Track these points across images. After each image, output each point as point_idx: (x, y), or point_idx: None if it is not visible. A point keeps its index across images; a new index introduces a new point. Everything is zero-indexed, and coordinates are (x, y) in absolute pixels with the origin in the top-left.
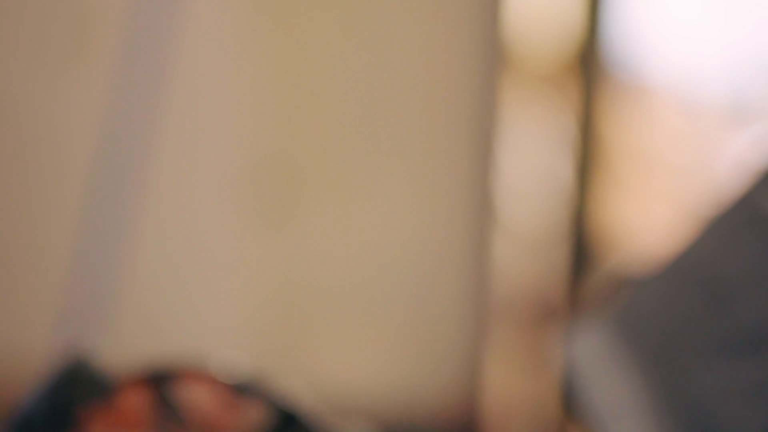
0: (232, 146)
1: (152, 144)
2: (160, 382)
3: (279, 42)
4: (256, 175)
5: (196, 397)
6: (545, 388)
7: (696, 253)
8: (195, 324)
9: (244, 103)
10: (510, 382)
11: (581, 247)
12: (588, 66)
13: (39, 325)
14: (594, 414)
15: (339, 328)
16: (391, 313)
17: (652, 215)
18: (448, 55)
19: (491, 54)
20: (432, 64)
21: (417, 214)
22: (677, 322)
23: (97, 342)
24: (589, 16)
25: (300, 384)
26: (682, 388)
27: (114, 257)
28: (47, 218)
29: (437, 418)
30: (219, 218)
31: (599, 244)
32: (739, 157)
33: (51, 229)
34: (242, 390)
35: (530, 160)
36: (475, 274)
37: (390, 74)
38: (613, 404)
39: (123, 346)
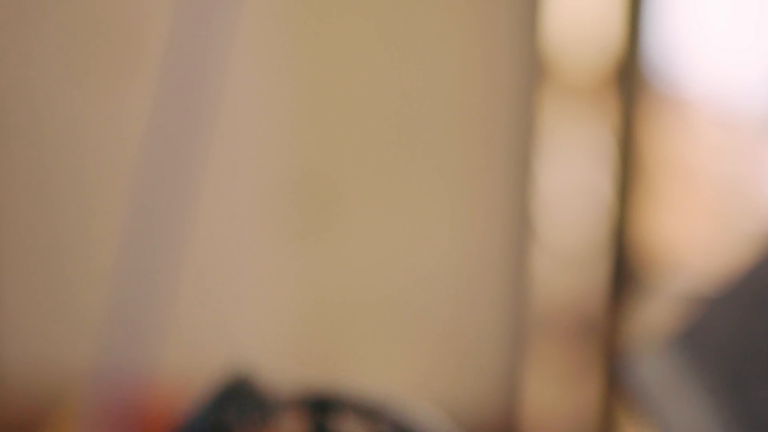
0: (271, 160)
1: (194, 159)
2: (320, 409)
3: (318, 59)
4: (294, 189)
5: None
6: (584, 402)
7: (764, 273)
8: (233, 335)
9: (281, 116)
10: (549, 397)
11: (621, 260)
12: (627, 79)
13: (83, 339)
14: None
15: (377, 341)
16: (430, 326)
17: (692, 228)
18: (486, 68)
19: (530, 67)
20: (470, 77)
21: (456, 228)
22: (748, 344)
23: (140, 355)
24: (628, 28)
25: (439, 412)
26: (755, 411)
27: (156, 272)
28: (91, 231)
29: None
30: (259, 232)
31: (639, 258)
32: None
33: (94, 242)
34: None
35: (569, 173)
36: (513, 287)
37: (428, 88)
38: (686, 427)
39: (164, 358)
